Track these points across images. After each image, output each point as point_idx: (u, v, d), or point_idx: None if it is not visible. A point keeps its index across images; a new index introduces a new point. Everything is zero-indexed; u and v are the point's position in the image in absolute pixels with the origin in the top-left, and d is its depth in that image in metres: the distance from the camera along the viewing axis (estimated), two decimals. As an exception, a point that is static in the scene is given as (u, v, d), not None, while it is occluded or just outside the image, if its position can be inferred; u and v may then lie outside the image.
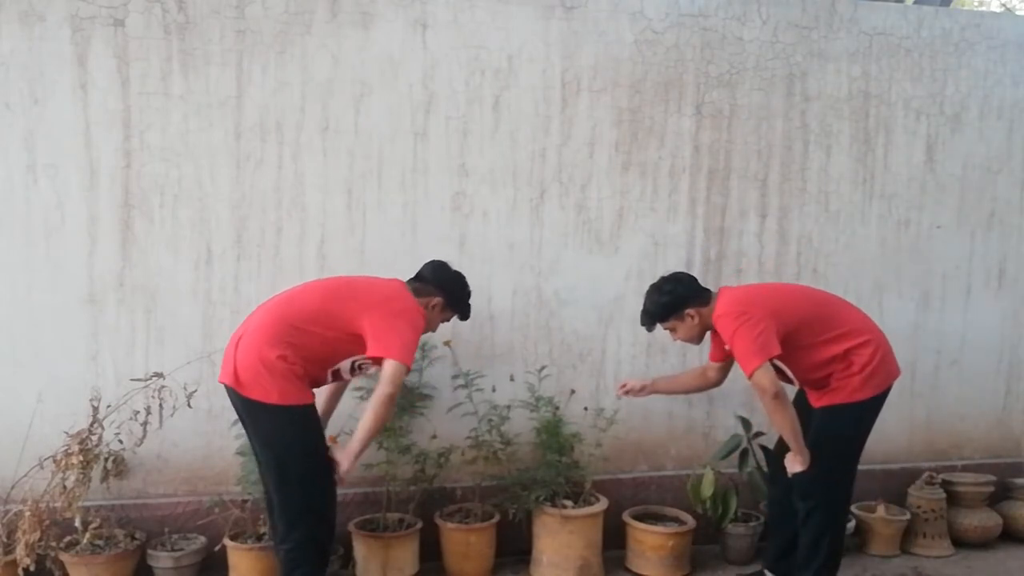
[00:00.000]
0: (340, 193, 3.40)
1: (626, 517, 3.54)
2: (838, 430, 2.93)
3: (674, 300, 2.99)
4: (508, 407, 3.47)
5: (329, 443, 2.80)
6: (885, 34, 3.90)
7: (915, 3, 4.87)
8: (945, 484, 3.91)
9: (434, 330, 3.04)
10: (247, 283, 3.35)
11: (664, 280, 3.06)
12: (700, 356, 3.81)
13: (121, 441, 3.18)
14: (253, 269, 3.35)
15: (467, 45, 3.47)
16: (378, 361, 2.66)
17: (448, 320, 3.04)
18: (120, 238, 3.25)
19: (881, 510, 3.77)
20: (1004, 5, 11.52)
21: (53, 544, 2.99)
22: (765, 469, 3.45)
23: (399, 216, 3.47)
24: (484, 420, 3.42)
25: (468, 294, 3.02)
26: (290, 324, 2.64)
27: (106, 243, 3.24)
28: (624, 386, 3.39)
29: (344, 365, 2.76)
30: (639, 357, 3.75)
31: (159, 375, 3.11)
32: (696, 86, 3.72)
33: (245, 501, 3.20)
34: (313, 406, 2.71)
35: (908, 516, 3.80)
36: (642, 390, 3.36)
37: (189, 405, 3.17)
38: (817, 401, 2.98)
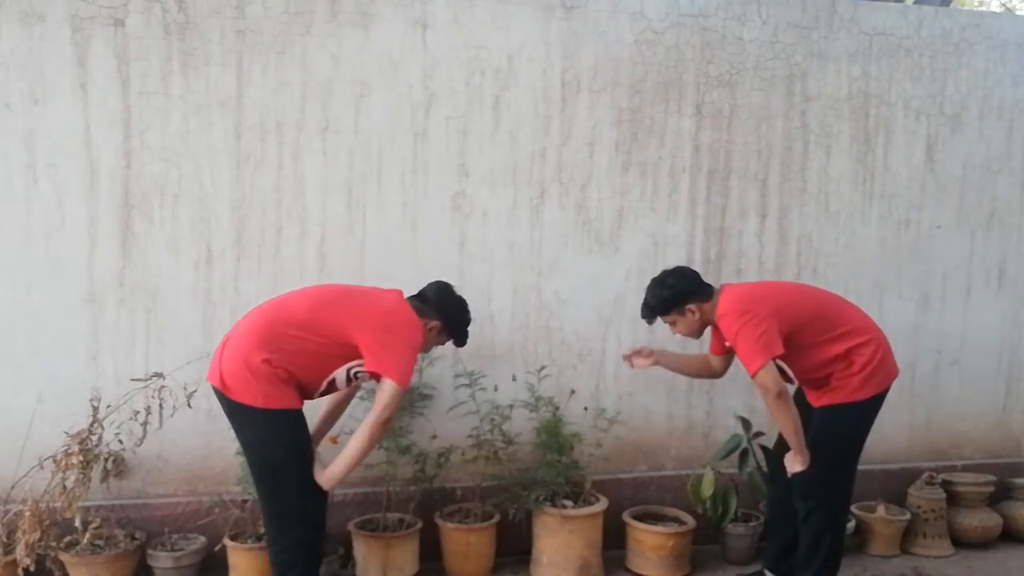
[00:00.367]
0: (340, 193, 3.40)
1: (626, 517, 3.54)
2: (838, 429, 2.94)
3: (675, 295, 2.98)
4: (510, 407, 3.46)
5: (328, 442, 2.79)
6: (885, 34, 3.90)
7: (915, 3, 4.87)
8: (945, 484, 3.91)
9: (427, 351, 3.03)
10: (247, 283, 3.35)
11: (667, 274, 3.05)
12: (700, 351, 3.82)
13: (121, 441, 3.18)
14: (253, 269, 3.35)
15: (467, 45, 3.47)
16: (375, 375, 2.64)
17: (443, 344, 2.97)
18: (120, 238, 3.25)
19: (881, 510, 3.77)
20: (1004, 5, 11.52)
21: (53, 544, 2.99)
22: (765, 469, 3.45)
23: (399, 216, 3.47)
24: (485, 420, 3.42)
25: (468, 321, 2.94)
26: (278, 329, 2.58)
27: (106, 243, 3.24)
28: (630, 354, 3.35)
29: (339, 375, 2.69)
30: (639, 357, 3.76)
31: (159, 375, 3.11)
32: (696, 86, 3.72)
33: (245, 501, 3.20)
34: (300, 412, 2.63)
35: (908, 516, 3.80)
36: (650, 356, 3.33)
37: (189, 405, 3.17)
38: (817, 400, 2.98)
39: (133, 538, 3.16)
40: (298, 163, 3.36)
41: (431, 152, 3.48)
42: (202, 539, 3.25)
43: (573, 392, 3.66)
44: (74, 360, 3.24)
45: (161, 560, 3.13)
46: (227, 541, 3.15)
